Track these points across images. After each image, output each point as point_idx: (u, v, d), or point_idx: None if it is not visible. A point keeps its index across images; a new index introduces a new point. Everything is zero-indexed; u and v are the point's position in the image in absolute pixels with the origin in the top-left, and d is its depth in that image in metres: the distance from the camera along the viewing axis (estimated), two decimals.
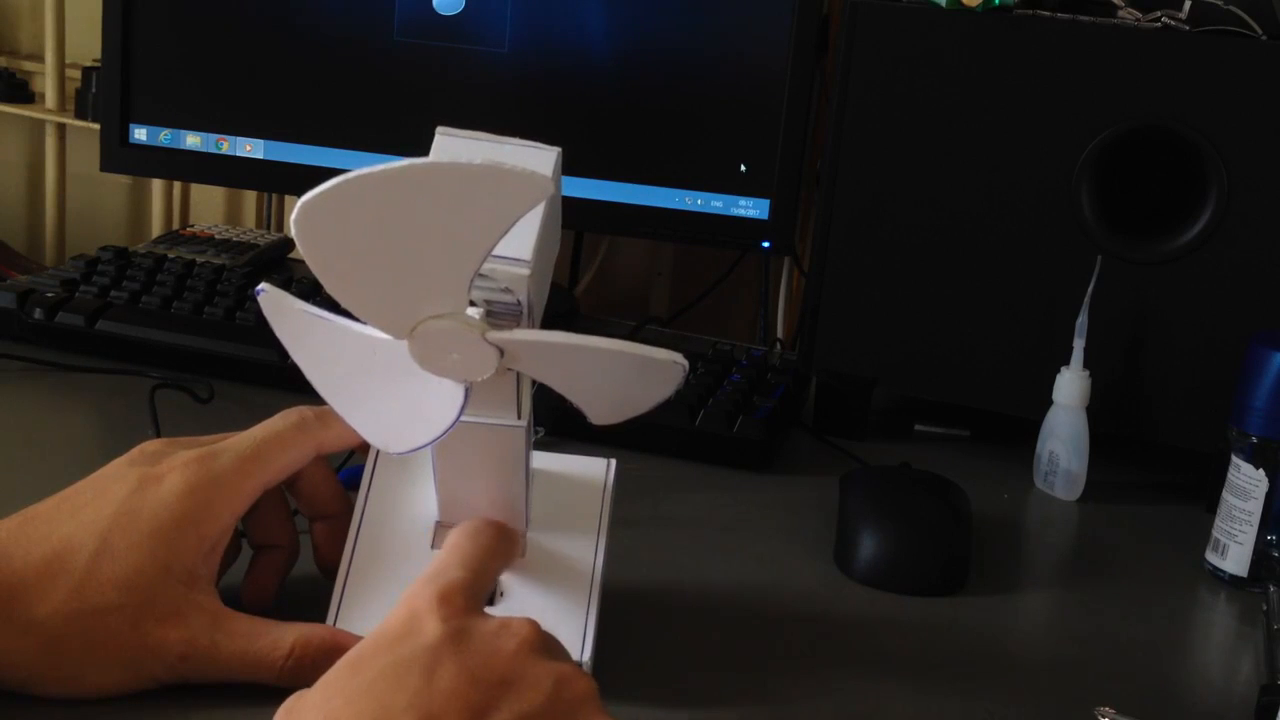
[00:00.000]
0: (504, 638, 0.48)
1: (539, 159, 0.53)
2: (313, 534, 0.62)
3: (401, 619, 0.48)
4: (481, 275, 0.51)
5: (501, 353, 0.52)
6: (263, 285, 0.55)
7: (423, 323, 0.51)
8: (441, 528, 0.61)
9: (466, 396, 0.53)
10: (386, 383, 0.54)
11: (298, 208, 0.47)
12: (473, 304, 0.51)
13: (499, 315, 0.53)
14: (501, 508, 0.60)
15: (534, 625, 0.50)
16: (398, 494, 0.62)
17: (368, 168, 0.47)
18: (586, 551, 0.61)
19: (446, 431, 0.54)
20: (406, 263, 0.49)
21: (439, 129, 0.54)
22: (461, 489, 0.60)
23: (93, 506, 0.54)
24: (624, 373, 0.53)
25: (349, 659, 0.47)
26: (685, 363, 0.52)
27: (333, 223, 0.48)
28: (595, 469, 0.64)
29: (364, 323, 0.53)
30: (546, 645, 0.50)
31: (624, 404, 0.55)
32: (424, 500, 0.62)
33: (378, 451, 0.63)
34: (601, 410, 0.56)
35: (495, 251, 0.49)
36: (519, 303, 0.53)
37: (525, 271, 0.52)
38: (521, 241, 0.52)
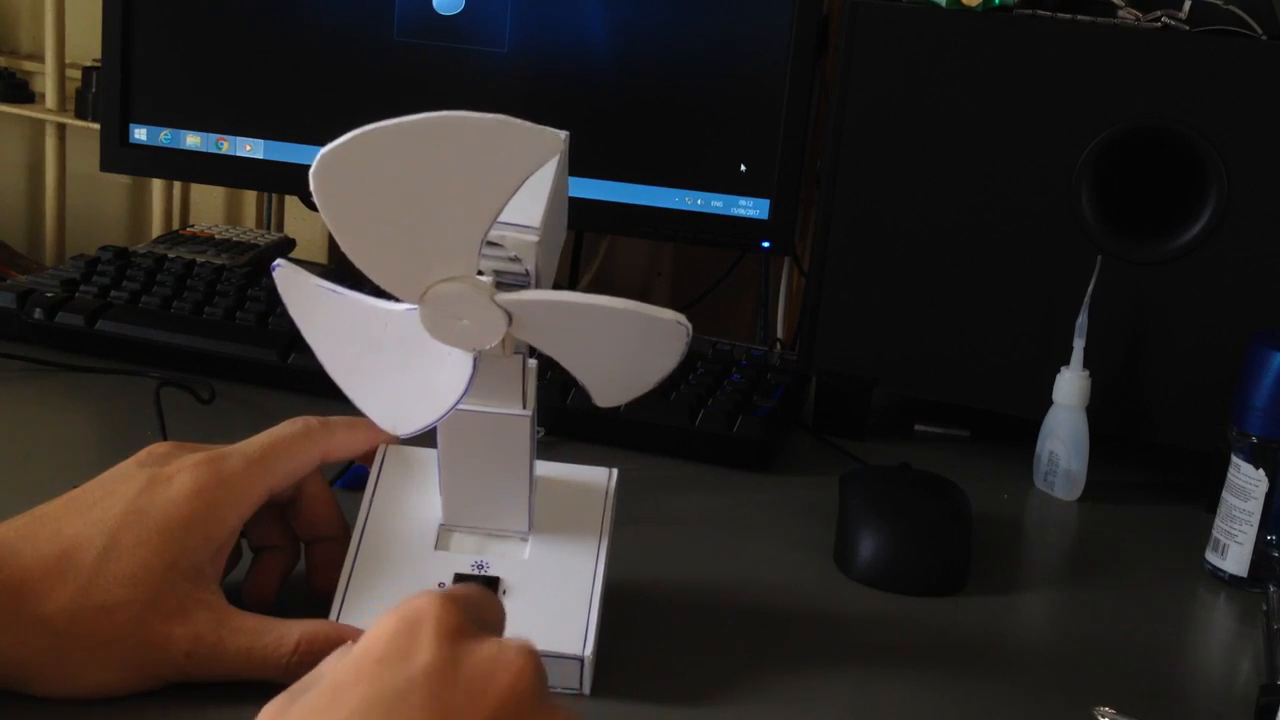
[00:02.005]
0: (498, 670, 0.43)
1: None
2: (309, 558, 0.62)
3: (397, 627, 0.44)
4: (491, 244, 0.52)
5: (510, 319, 0.52)
6: (278, 261, 0.56)
7: (434, 286, 0.52)
8: (445, 530, 0.61)
9: (474, 370, 0.54)
10: (396, 358, 0.55)
11: (316, 160, 0.48)
12: (481, 274, 0.52)
13: (508, 287, 0.54)
14: (505, 506, 0.61)
15: (530, 656, 0.44)
16: (402, 497, 0.62)
17: (385, 121, 0.48)
18: (589, 552, 0.61)
19: (453, 407, 0.55)
20: (421, 219, 0.50)
21: None
22: (466, 485, 0.60)
23: (101, 505, 0.55)
24: (629, 337, 0.54)
25: (334, 682, 0.43)
26: (688, 325, 0.53)
27: (350, 176, 0.49)
28: (597, 477, 0.64)
29: (376, 295, 0.54)
30: (540, 680, 0.45)
31: (628, 378, 0.56)
32: (428, 504, 0.62)
33: (383, 456, 0.63)
34: (606, 386, 0.56)
35: (504, 218, 0.51)
36: (527, 273, 0.54)
37: (534, 238, 0.53)
38: (530, 209, 0.53)
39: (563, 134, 0.54)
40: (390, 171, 0.49)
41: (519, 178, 0.49)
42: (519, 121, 0.48)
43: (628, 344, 0.54)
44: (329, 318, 0.56)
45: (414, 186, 0.49)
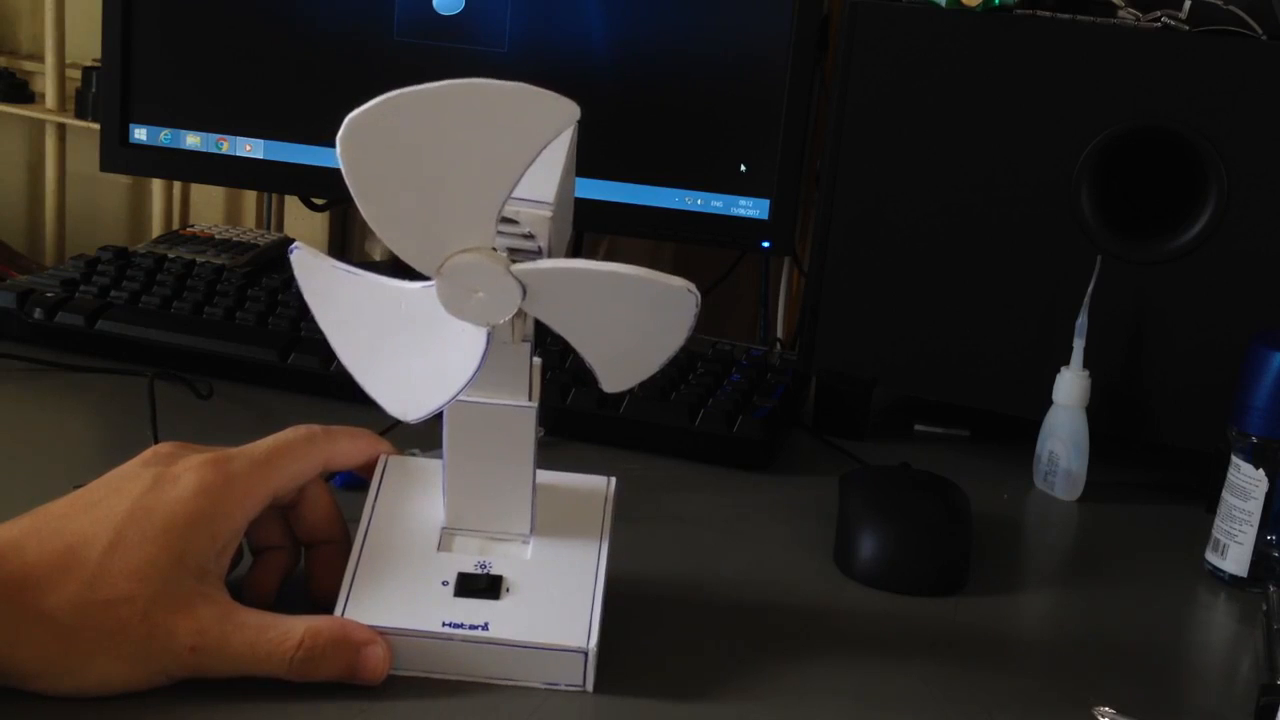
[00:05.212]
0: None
1: None
2: (308, 561, 0.62)
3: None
4: (505, 220, 0.54)
5: (524, 291, 0.53)
6: (296, 244, 0.57)
7: (451, 257, 0.53)
8: (448, 533, 0.61)
9: (487, 348, 0.55)
10: (409, 339, 0.56)
11: (344, 125, 0.50)
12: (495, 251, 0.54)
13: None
14: (508, 505, 0.61)
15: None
16: (405, 502, 0.63)
17: (410, 87, 0.50)
18: (590, 551, 0.61)
19: (464, 388, 0.56)
20: (442, 185, 0.51)
21: None
22: (470, 482, 0.61)
23: (107, 503, 0.55)
24: (640, 306, 0.55)
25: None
26: (698, 294, 0.54)
27: (375, 141, 0.51)
28: (597, 484, 0.65)
29: (393, 274, 0.56)
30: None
31: (637, 356, 0.57)
32: (431, 510, 0.63)
33: (384, 465, 0.64)
34: (614, 366, 0.57)
35: (518, 194, 0.52)
36: (540, 250, 0.55)
37: (547, 214, 0.55)
38: (544, 185, 0.55)
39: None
40: (414, 137, 0.51)
41: (538, 145, 0.51)
42: (539, 89, 0.50)
43: (638, 314, 0.55)
44: (344, 300, 0.57)
45: (436, 152, 0.51)
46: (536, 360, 0.59)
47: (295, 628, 0.55)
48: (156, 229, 1.53)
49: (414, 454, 0.66)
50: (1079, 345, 0.85)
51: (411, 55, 1.03)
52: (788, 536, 0.78)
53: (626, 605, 0.64)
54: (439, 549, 0.61)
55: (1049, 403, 0.87)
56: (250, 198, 1.53)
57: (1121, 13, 0.87)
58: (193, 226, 1.22)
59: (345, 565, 0.60)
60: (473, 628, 0.57)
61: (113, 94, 1.08)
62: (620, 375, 0.57)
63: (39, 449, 0.80)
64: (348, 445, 0.63)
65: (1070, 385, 0.86)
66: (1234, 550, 0.77)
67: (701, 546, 0.75)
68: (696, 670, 0.61)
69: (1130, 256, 0.86)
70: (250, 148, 1.08)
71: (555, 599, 0.59)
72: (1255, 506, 0.76)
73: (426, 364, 0.56)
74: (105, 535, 0.54)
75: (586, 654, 0.57)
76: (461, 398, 0.57)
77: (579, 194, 1.02)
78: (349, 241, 1.49)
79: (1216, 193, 0.84)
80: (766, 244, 1.03)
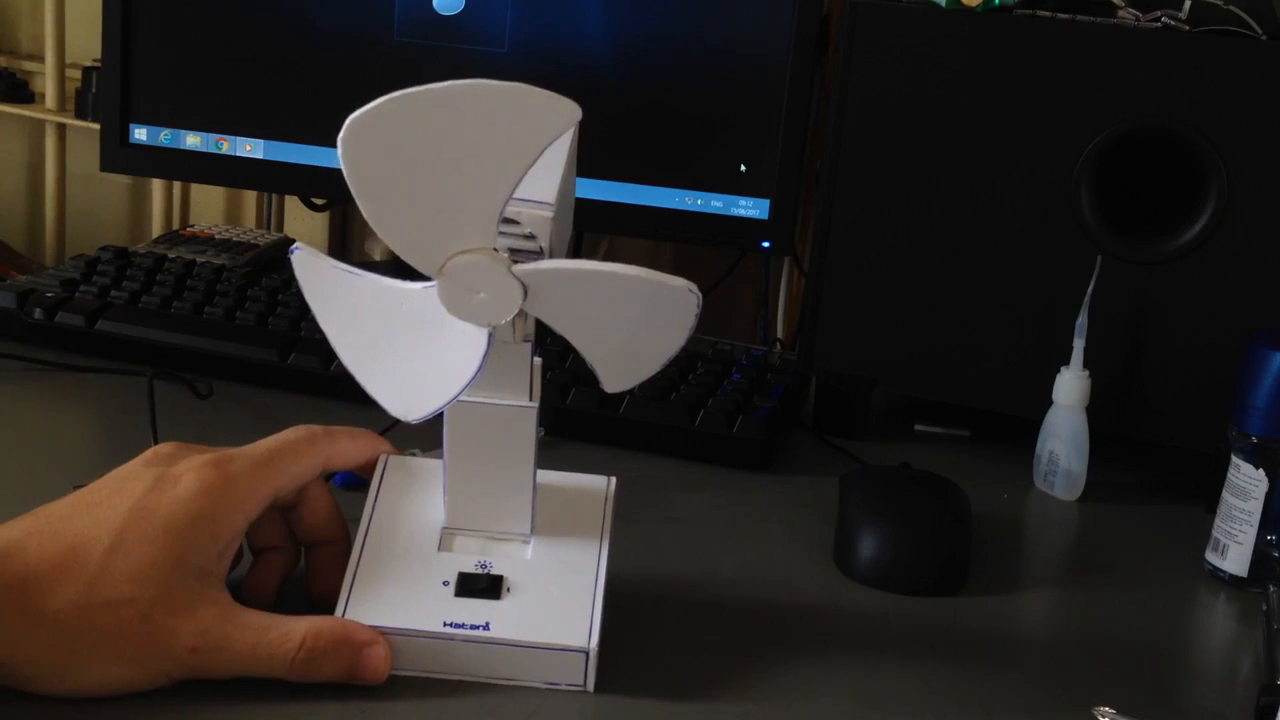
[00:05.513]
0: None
1: None
2: (309, 561, 0.62)
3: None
4: (506, 220, 0.54)
5: (525, 292, 0.53)
6: (296, 245, 0.57)
7: (452, 258, 0.53)
8: (448, 533, 0.61)
9: (488, 348, 0.55)
10: (410, 340, 0.56)
11: (345, 126, 0.50)
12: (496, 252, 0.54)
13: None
14: (508, 505, 0.61)
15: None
16: (405, 502, 0.63)
17: (412, 88, 0.50)
18: (590, 551, 0.62)
19: (466, 387, 0.56)
20: (443, 186, 0.52)
21: None
22: (470, 482, 0.61)
23: (108, 504, 0.55)
24: (641, 306, 0.55)
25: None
26: (699, 294, 0.54)
27: (377, 142, 0.51)
28: (597, 484, 0.65)
29: (394, 274, 0.56)
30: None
31: (638, 356, 0.57)
32: (431, 510, 0.63)
33: (384, 465, 0.64)
34: (615, 366, 0.57)
35: (519, 194, 0.52)
36: (541, 250, 0.55)
37: (549, 214, 0.55)
38: (545, 185, 0.55)
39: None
40: (416, 137, 0.51)
41: (539, 145, 0.51)
42: (540, 90, 0.50)
43: (639, 314, 0.55)
44: (345, 301, 0.57)
45: (438, 152, 0.51)
46: (537, 360, 0.59)
47: (296, 628, 0.55)
48: (156, 229, 1.53)
49: (414, 454, 0.66)
50: (1079, 345, 0.85)
51: (411, 55, 1.03)
52: (788, 536, 0.78)
53: (627, 605, 0.64)
54: (439, 549, 0.61)
55: (1049, 403, 0.87)
56: (250, 198, 1.53)
57: (1121, 13, 0.87)
58: (193, 226, 1.22)
59: (345, 565, 0.60)
60: (473, 628, 0.57)
61: (113, 94, 1.08)
62: (621, 375, 0.57)
63: (39, 449, 0.80)
64: (348, 445, 0.63)
65: (1070, 385, 0.86)
66: (1234, 550, 0.77)
67: (701, 546, 0.75)
68: (696, 670, 0.61)
69: (1130, 256, 0.86)
70: (250, 148, 1.08)
71: (556, 599, 0.59)
72: (1255, 506, 0.76)
73: (427, 364, 0.56)
74: (106, 536, 0.54)
75: (587, 654, 0.57)
76: (462, 397, 0.57)
77: (579, 194, 1.02)
78: (349, 241, 1.49)
79: (1216, 193, 0.84)
80: (766, 244, 1.03)
